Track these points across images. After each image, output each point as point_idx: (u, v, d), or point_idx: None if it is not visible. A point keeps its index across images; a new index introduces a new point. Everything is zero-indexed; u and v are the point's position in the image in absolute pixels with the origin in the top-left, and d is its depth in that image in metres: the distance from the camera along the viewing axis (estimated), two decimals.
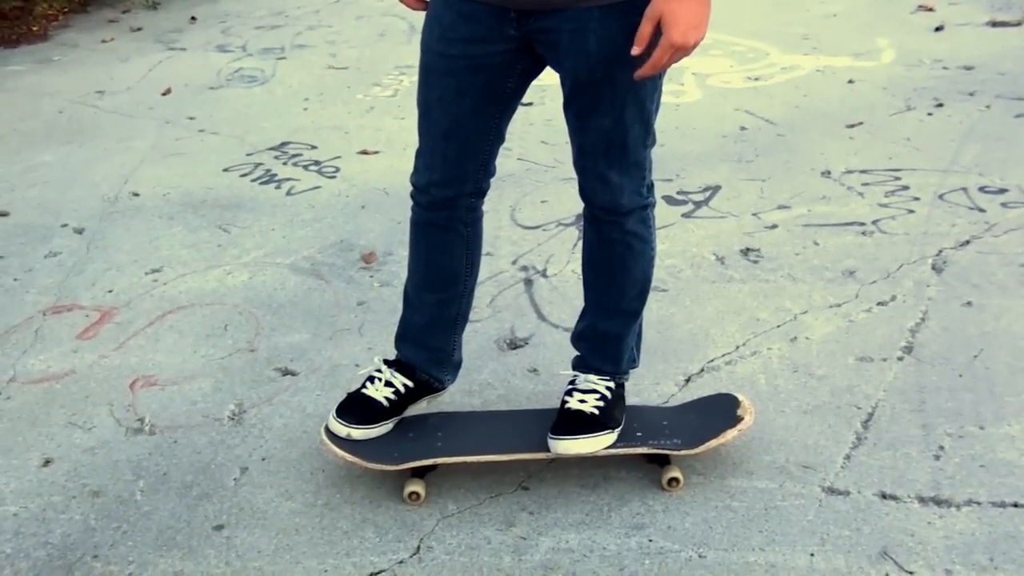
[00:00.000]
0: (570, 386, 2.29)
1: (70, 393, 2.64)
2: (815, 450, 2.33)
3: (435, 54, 2.01)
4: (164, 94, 5.19)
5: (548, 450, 2.19)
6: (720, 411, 2.32)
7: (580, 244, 2.35)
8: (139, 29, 6.48)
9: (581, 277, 2.29)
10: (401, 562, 2.04)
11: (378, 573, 2.01)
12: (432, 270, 2.26)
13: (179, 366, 2.75)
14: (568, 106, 2.01)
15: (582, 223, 2.22)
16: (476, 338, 2.79)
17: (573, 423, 2.20)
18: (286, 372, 2.71)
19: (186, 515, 2.19)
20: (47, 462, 2.37)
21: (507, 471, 2.26)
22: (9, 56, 6.02)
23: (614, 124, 1.96)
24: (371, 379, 2.31)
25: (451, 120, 2.04)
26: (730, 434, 2.22)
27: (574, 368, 2.32)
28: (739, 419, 2.26)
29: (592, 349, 2.29)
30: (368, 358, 2.69)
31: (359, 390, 2.30)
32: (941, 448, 2.32)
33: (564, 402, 2.25)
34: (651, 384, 2.58)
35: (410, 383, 2.31)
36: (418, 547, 2.08)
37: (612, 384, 2.26)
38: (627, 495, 2.21)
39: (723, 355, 2.72)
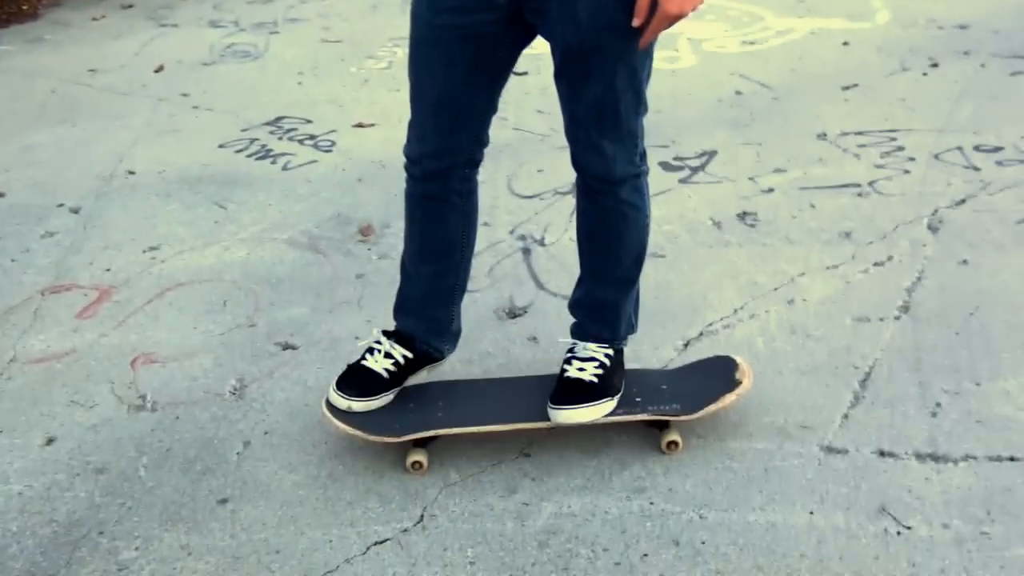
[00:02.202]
0: (569, 354, 2.29)
1: (71, 372, 2.65)
2: (813, 410, 2.34)
3: (425, 24, 2.00)
4: (157, 71, 5.17)
5: (548, 419, 2.21)
6: (719, 374, 2.33)
7: None
8: (130, 6, 6.44)
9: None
10: (405, 531, 2.06)
11: (382, 542, 2.03)
12: (428, 242, 2.26)
13: (179, 343, 2.76)
14: (559, 75, 2.00)
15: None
16: (475, 308, 2.80)
17: (573, 392, 2.21)
18: (286, 346, 2.72)
19: (190, 490, 2.21)
20: (50, 441, 2.39)
21: (509, 439, 2.28)
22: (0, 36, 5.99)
23: (605, 92, 1.96)
24: (371, 351, 2.32)
25: (442, 91, 2.03)
26: (729, 398, 2.24)
27: (572, 336, 2.33)
28: (737, 383, 2.28)
29: (589, 317, 2.30)
30: (368, 330, 2.70)
31: (359, 362, 2.31)
32: (938, 405, 2.33)
33: (563, 370, 2.26)
34: (650, 349, 2.60)
35: (410, 354, 2.31)
36: (422, 516, 2.10)
37: (611, 351, 2.27)
38: (628, 459, 2.23)
39: (721, 319, 2.73)
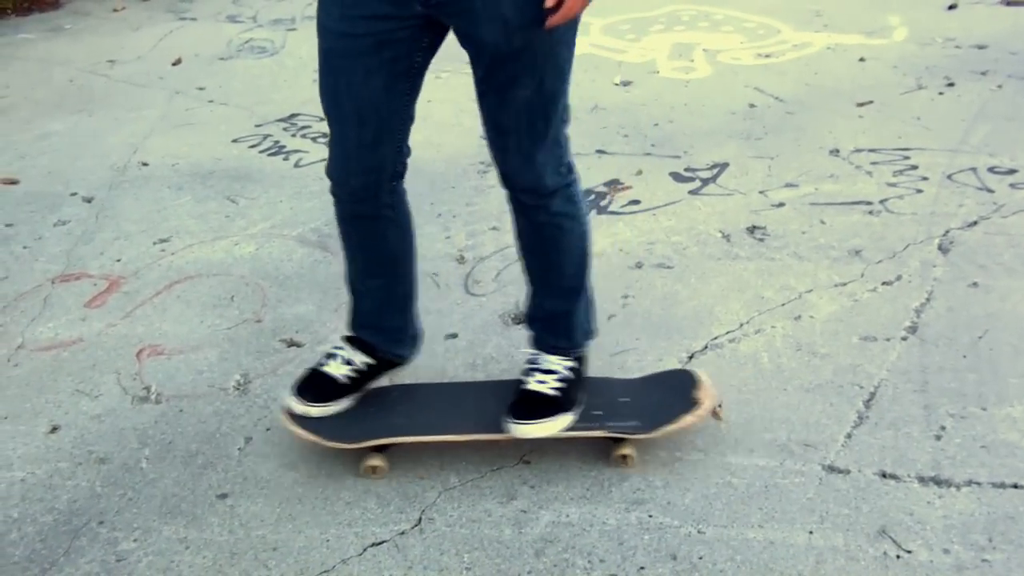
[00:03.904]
0: (529, 365, 2.28)
1: (78, 361, 2.66)
2: (816, 428, 2.33)
3: (337, 36, 1.95)
4: (174, 64, 5.19)
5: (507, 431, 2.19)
6: (679, 391, 2.30)
7: None
8: None
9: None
10: (402, 533, 2.06)
11: (379, 543, 2.03)
12: (371, 260, 2.24)
13: (186, 336, 2.77)
14: (485, 83, 1.96)
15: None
16: (481, 312, 2.81)
17: (532, 405, 2.19)
18: (291, 343, 2.72)
19: (190, 483, 2.21)
20: (54, 429, 2.40)
21: (509, 444, 2.27)
22: (21, 24, 6.02)
23: (535, 94, 1.93)
24: (331, 356, 2.31)
25: (364, 104, 1.98)
26: (687, 420, 2.21)
27: (532, 347, 2.31)
28: (696, 402, 2.25)
29: (544, 328, 2.29)
30: None
31: (319, 367, 2.30)
32: (943, 428, 2.32)
33: (523, 382, 2.24)
34: (654, 360, 2.59)
35: (371, 360, 2.30)
36: (419, 519, 2.10)
37: (571, 363, 2.26)
38: (628, 470, 2.22)
39: (727, 333, 2.72)
